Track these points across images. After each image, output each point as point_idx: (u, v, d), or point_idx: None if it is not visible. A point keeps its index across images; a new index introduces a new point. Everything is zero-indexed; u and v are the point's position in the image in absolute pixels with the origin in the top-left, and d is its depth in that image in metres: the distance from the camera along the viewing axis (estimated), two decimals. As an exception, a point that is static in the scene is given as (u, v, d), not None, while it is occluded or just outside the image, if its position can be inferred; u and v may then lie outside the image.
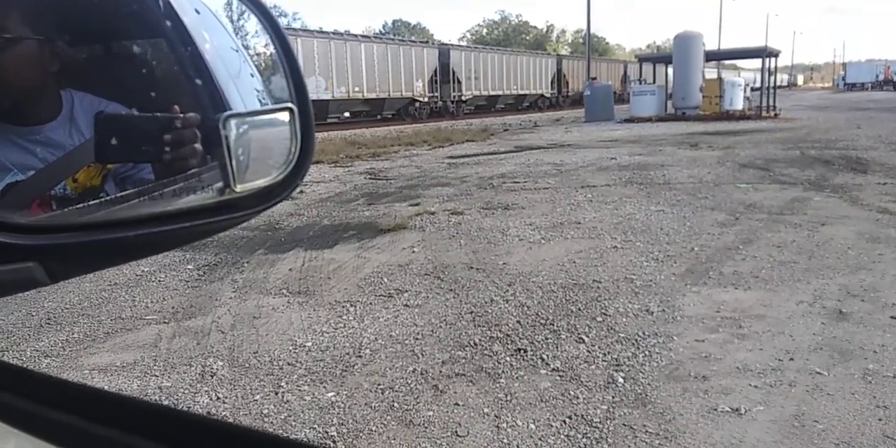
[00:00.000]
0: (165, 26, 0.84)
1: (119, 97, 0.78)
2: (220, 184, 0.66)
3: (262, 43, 0.91)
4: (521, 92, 34.39)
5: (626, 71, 41.36)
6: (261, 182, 0.69)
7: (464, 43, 61.07)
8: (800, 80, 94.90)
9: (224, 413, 2.62)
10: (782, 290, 3.93)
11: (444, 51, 29.03)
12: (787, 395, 2.61)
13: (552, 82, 36.84)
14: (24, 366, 3.14)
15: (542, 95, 36.05)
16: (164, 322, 3.71)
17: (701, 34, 22.54)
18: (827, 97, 45.38)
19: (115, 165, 0.80)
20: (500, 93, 32.58)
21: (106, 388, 2.85)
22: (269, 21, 0.84)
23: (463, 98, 29.88)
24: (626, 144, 13.65)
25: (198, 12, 0.91)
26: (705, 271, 4.33)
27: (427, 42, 32.93)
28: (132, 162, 0.76)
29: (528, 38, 77.78)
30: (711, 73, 27.00)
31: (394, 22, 77.80)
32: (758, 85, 24.91)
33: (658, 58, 29.19)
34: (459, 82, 29.48)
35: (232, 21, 0.95)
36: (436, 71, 28.00)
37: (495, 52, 34.37)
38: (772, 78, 23.52)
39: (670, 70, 23.49)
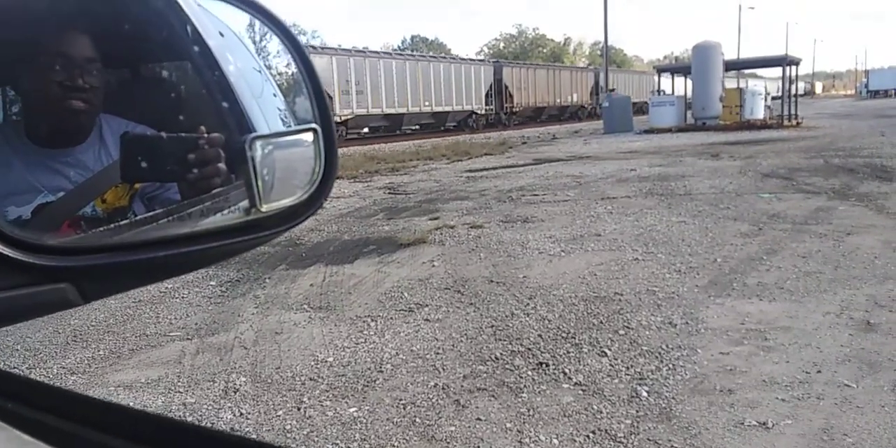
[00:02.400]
0: (191, 50, 0.86)
1: (146, 119, 0.80)
2: (245, 203, 0.67)
3: (283, 63, 0.93)
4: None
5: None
6: (286, 202, 0.70)
7: (481, 57, 61.42)
8: (818, 87, 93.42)
9: (247, 429, 2.63)
10: (808, 301, 3.87)
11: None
12: (815, 408, 2.57)
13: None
14: (51, 383, 3.19)
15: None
16: (188, 338, 3.74)
17: (720, 44, 22.43)
18: (850, 105, 44.83)
19: (142, 185, 0.82)
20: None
21: (131, 404, 2.88)
22: (291, 42, 0.86)
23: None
24: (645, 155, 13.58)
25: (222, 35, 0.94)
26: (729, 283, 4.28)
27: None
28: (158, 181, 0.78)
29: (545, 51, 77.94)
30: (730, 83, 26.82)
31: (412, 38, 78.46)
32: (776, 94, 24.73)
33: (677, 68, 29.09)
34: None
35: (255, 42, 0.97)
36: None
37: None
38: (792, 86, 23.29)
39: (689, 81, 23.37)
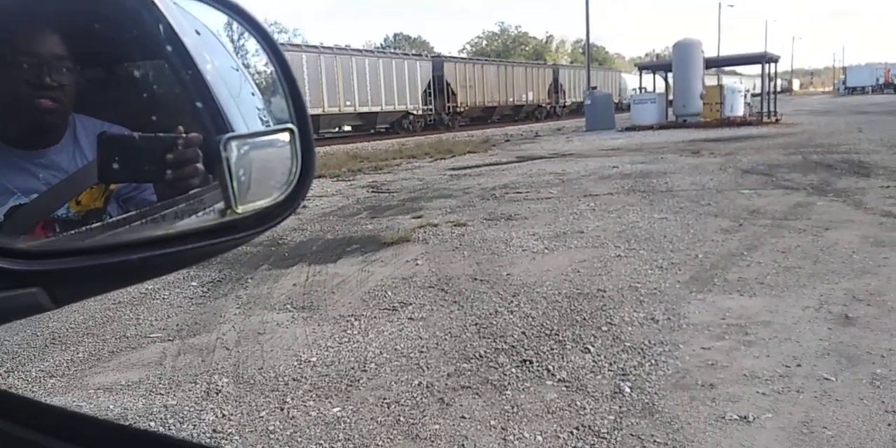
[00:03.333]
0: (167, 49, 0.85)
1: (122, 119, 0.79)
2: (221, 205, 0.67)
3: (262, 62, 0.92)
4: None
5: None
6: (262, 203, 0.69)
7: (464, 54, 61.36)
8: (796, 85, 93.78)
9: (230, 430, 2.61)
10: (788, 295, 3.92)
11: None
12: (795, 401, 2.60)
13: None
14: (30, 387, 3.15)
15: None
16: (169, 340, 3.71)
17: (700, 41, 22.60)
18: (828, 101, 45.42)
19: (117, 187, 0.80)
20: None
21: (111, 406, 2.85)
22: (267, 42, 0.85)
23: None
24: (627, 153, 13.67)
25: (198, 33, 0.92)
26: (710, 278, 4.32)
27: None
28: (134, 182, 0.77)
29: (527, 48, 78.09)
30: (711, 80, 27.07)
31: (395, 36, 78.23)
32: (755, 91, 25.00)
33: (658, 66, 29.27)
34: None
35: (232, 41, 0.96)
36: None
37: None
38: (771, 83, 23.54)
39: (670, 77, 23.55)
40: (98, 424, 0.57)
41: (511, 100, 33.66)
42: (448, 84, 28.93)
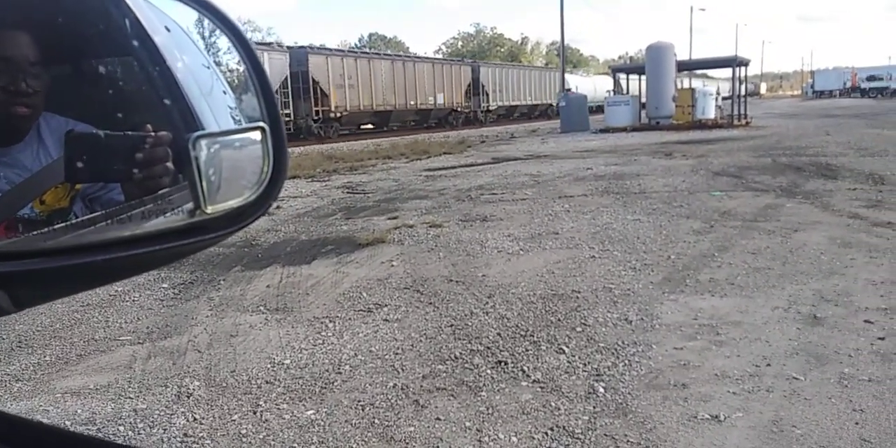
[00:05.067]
0: (135, 45, 0.83)
1: (89, 118, 0.77)
2: (190, 205, 0.65)
3: (234, 60, 0.90)
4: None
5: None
6: (232, 203, 0.68)
7: (439, 55, 61.33)
8: (763, 88, 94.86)
9: (201, 434, 2.57)
10: (758, 296, 3.98)
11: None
12: (765, 400, 2.64)
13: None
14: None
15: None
16: (139, 342, 3.64)
17: (672, 45, 22.93)
18: (796, 105, 46.30)
19: (83, 186, 0.78)
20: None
21: (79, 411, 2.79)
22: (239, 40, 0.84)
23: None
24: (601, 154, 13.78)
25: (168, 30, 0.90)
26: (682, 279, 4.37)
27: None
28: (103, 181, 0.75)
29: (502, 50, 78.38)
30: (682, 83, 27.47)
31: (370, 36, 78.01)
32: (726, 94, 25.40)
33: (631, 68, 29.62)
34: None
35: (203, 38, 0.94)
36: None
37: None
38: (742, 87, 23.94)
39: (643, 80, 23.83)
40: (52, 432, 0.56)
41: (413, 103, 28.57)
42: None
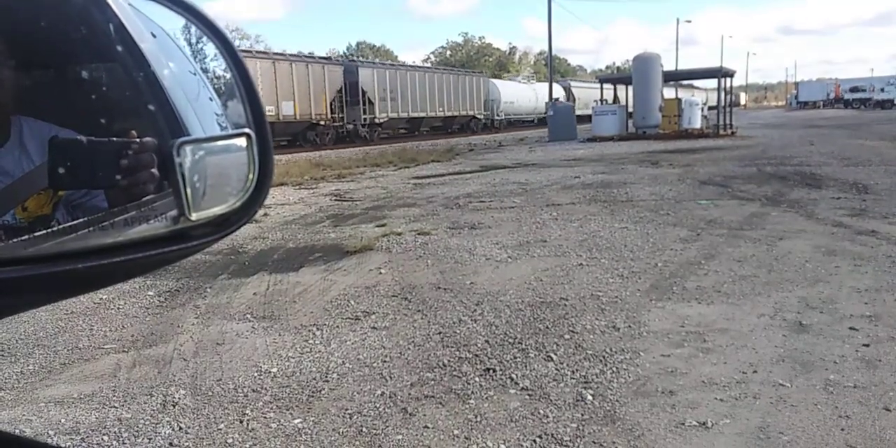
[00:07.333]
0: (120, 50, 0.82)
1: (73, 123, 0.76)
2: (174, 212, 0.64)
3: (221, 66, 0.90)
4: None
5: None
6: (217, 209, 0.67)
7: (428, 64, 61.41)
8: (742, 99, 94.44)
9: (187, 444, 2.54)
10: (744, 303, 4.00)
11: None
12: (751, 407, 2.64)
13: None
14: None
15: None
16: (124, 351, 3.61)
17: (659, 55, 23.17)
18: (781, 115, 46.80)
19: (66, 193, 0.77)
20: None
21: (63, 420, 2.75)
22: (225, 46, 0.83)
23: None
24: (589, 163, 13.85)
25: (154, 36, 0.90)
26: (669, 287, 4.39)
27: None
28: (88, 188, 0.74)
29: (490, 59, 78.68)
30: (668, 93, 27.70)
31: (357, 44, 78.06)
32: (712, 104, 25.63)
33: (618, 78, 29.82)
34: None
35: (190, 44, 0.94)
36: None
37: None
38: (727, 97, 24.18)
39: (630, 90, 24.01)
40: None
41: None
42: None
